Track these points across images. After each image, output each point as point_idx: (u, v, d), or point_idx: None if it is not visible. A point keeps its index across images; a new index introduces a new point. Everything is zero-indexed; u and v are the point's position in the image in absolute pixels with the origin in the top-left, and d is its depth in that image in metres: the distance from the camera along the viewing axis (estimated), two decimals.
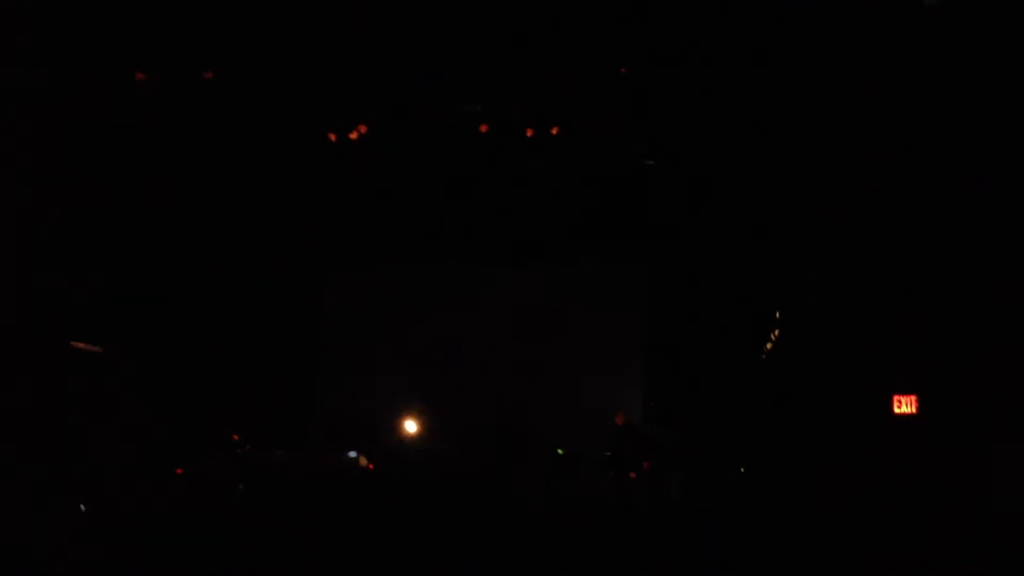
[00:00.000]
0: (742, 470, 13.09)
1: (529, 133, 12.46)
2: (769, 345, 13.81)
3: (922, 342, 11.81)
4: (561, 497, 13.13)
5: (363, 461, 12.92)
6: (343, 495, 12.23)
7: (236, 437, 12.77)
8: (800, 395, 12.79)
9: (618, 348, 14.98)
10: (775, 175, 12.83)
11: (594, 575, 9.36)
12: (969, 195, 11.42)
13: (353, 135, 12.18)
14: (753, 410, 13.45)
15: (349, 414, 14.12)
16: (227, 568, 9.42)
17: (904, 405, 12.11)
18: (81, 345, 12.37)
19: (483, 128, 12.29)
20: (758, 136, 12.53)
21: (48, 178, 11.85)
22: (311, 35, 11.15)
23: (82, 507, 10.86)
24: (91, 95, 11.45)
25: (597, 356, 14.87)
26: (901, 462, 11.53)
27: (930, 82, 11.35)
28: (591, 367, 14.77)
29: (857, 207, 12.31)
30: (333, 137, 12.23)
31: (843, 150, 12.18)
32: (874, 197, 12.16)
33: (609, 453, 13.38)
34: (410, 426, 13.91)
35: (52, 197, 12.00)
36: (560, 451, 13.79)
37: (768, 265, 13.59)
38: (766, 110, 12.18)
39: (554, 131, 12.44)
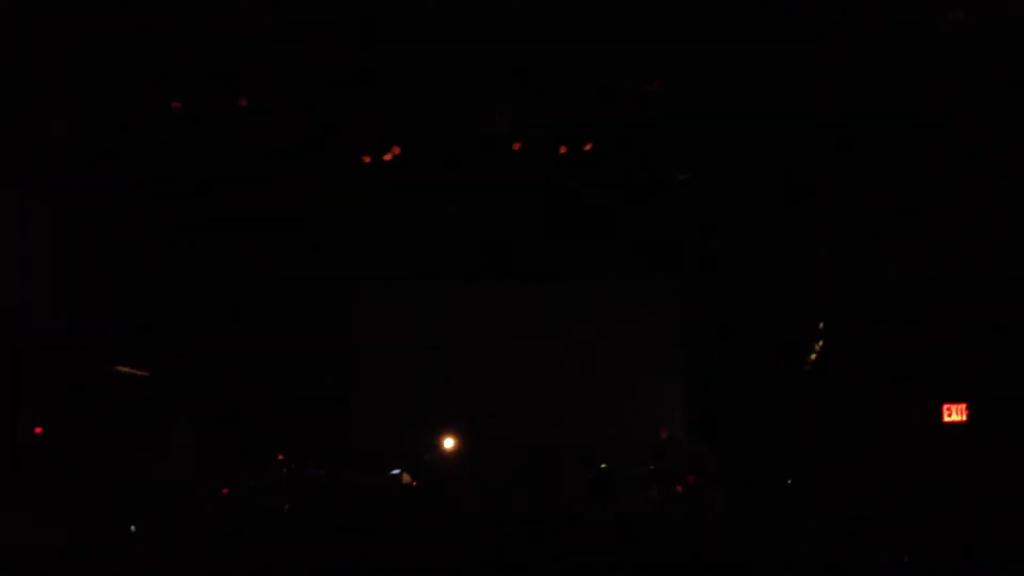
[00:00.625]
0: (788, 483, 12.94)
1: (563, 150, 12.49)
2: (814, 356, 13.65)
3: (972, 349, 11.63)
4: (604, 512, 13.09)
5: (406, 479, 12.97)
6: (387, 513, 12.30)
7: (280, 457, 12.91)
8: (847, 406, 12.64)
9: (659, 362, 14.88)
10: (814, 184, 12.72)
11: None
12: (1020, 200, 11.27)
13: (387, 156, 12.29)
14: (799, 422, 13.30)
15: (387, 432, 14.18)
16: None
17: (954, 413, 11.92)
18: (125, 369, 12.61)
19: (516, 146, 12.33)
20: (796, 143, 12.43)
21: (86, 201, 12.15)
22: (343, 59, 11.29)
23: (132, 528, 11.05)
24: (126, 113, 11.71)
25: (638, 371, 14.77)
26: (951, 471, 11.35)
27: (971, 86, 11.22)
28: (631, 382, 14.68)
29: (904, 213, 12.18)
30: (368, 159, 12.36)
31: (884, 153, 12.07)
32: (921, 201, 12.04)
33: (652, 467, 13.31)
34: (448, 443, 13.93)
35: (89, 220, 12.29)
36: (604, 466, 13.73)
37: (812, 275, 13.46)
38: (804, 118, 12.09)
39: (587, 147, 12.45)
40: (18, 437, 11.18)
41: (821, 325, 13.56)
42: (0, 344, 11.26)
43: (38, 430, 11.38)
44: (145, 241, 12.99)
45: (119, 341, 12.60)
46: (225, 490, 12.32)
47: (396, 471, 12.96)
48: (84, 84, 11.16)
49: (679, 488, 13.09)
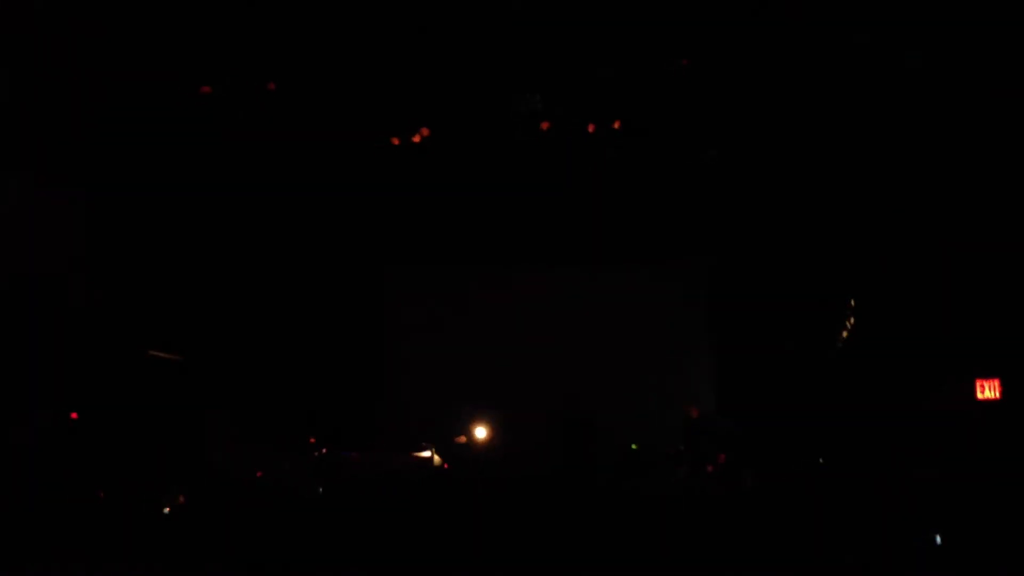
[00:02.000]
0: (820, 461, 12.90)
1: (591, 129, 12.44)
2: (845, 333, 13.58)
3: (1005, 324, 11.56)
4: (634, 492, 13.10)
5: (437, 460, 13.03)
6: (419, 493, 12.37)
7: (312, 440, 13.00)
8: (878, 383, 12.59)
9: (689, 341, 14.86)
10: (841, 161, 12.63)
11: (672, 569, 9.33)
12: None
13: (416, 138, 12.30)
14: (830, 400, 13.25)
15: (419, 414, 14.24)
16: (308, 566, 9.63)
17: (988, 390, 11.87)
18: (159, 354, 12.73)
19: (544, 125, 12.30)
20: (827, 122, 12.34)
21: (121, 186, 12.25)
22: (370, 41, 11.29)
23: (165, 510, 11.17)
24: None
25: (667, 350, 14.76)
26: (985, 448, 11.30)
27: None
28: (661, 361, 14.68)
29: (933, 188, 12.09)
30: (396, 141, 12.37)
31: (918, 126, 11.97)
32: (948, 177, 11.94)
33: (682, 447, 13.30)
34: (478, 425, 13.98)
35: (124, 204, 12.39)
36: (634, 446, 13.75)
37: (841, 251, 13.38)
38: (836, 98, 12.00)
39: (616, 125, 12.40)
40: (54, 424, 11.32)
41: (852, 302, 13.50)
42: (37, 329, 11.39)
43: (74, 415, 11.52)
44: (179, 225, 13.09)
45: (153, 326, 12.73)
46: (259, 473, 12.43)
47: (427, 453, 13.02)
48: (115, 69, 11.23)
49: (709, 467, 13.08)
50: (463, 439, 13.51)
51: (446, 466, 13.02)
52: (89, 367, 11.82)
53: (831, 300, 13.63)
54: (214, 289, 13.56)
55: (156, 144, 12.34)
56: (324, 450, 12.98)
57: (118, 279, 12.54)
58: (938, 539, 10.00)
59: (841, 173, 12.95)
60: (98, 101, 11.59)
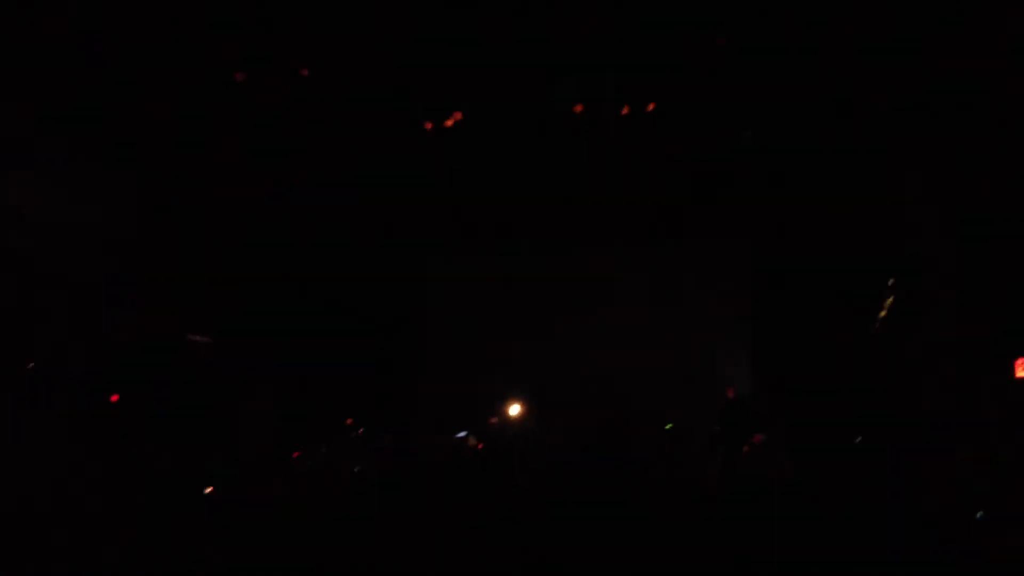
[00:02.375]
0: (857, 440, 12.83)
1: (625, 111, 12.35)
2: (883, 313, 13.45)
3: None
4: (670, 473, 13.12)
5: (472, 441, 13.10)
6: (455, 474, 12.46)
7: (349, 422, 13.11)
8: (917, 363, 12.47)
9: (725, 322, 14.81)
10: (880, 139, 12.47)
11: (707, 550, 9.34)
12: None
13: (449, 123, 12.27)
14: (868, 381, 13.15)
15: (455, 395, 14.32)
16: (346, 546, 9.73)
17: None
18: (195, 336, 12.85)
19: (578, 108, 12.23)
20: (868, 100, 12.18)
21: (157, 169, 12.35)
22: (404, 23, 11.25)
23: (206, 491, 11.32)
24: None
25: (704, 331, 14.72)
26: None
27: None
28: (698, 342, 14.64)
29: (972, 164, 11.91)
30: (429, 126, 12.35)
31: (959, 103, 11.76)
32: (994, 154, 11.75)
33: (719, 427, 13.28)
34: (514, 409, 14.03)
35: (160, 188, 12.49)
36: (669, 426, 13.75)
37: (879, 229, 13.23)
38: (877, 76, 11.82)
39: (651, 107, 12.30)
40: (93, 405, 11.47)
41: (891, 281, 13.36)
42: (77, 314, 11.53)
43: (114, 398, 11.66)
44: (216, 209, 13.19)
45: (191, 309, 12.86)
46: (296, 454, 12.56)
47: (463, 434, 13.10)
48: (156, 56, 11.30)
49: (746, 448, 13.05)
50: (480, 445, 13.49)
51: (480, 446, 13.10)
52: (130, 350, 11.96)
53: (870, 280, 13.50)
54: (253, 271, 13.67)
55: (193, 129, 12.42)
56: (361, 431, 13.10)
57: (158, 261, 12.66)
58: (981, 516, 9.96)
59: (882, 150, 12.79)
60: (135, 85, 11.66)
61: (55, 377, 11.14)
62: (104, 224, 12.09)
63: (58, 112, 11.40)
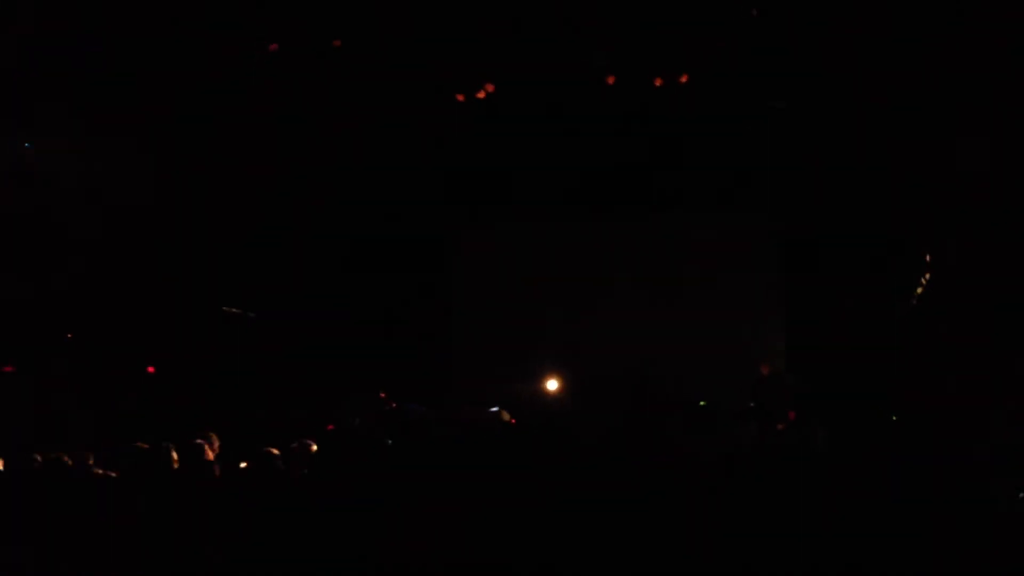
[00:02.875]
0: (893, 419, 12.70)
1: (658, 82, 12.25)
2: (919, 290, 13.30)
3: None
4: (702, 449, 13.03)
5: (504, 416, 13.07)
6: (486, 449, 12.45)
7: (383, 395, 13.14)
8: (953, 342, 12.33)
9: (760, 297, 14.68)
10: (917, 115, 12.29)
11: (741, 528, 9.23)
12: None
13: (480, 94, 12.25)
14: (903, 359, 13.02)
15: (488, 370, 14.31)
16: (378, 515, 9.74)
17: None
18: (232, 309, 12.96)
19: (610, 80, 12.15)
20: (902, 75, 12.00)
21: (193, 143, 12.44)
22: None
23: (242, 464, 11.38)
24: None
25: (739, 306, 14.60)
26: None
27: None
28: (732, 317, 14.52)
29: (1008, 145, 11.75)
30: (461, 97, 12.33)
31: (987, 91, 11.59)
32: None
33: (753, 404, 13.20)
34: (548, 382, 14.02)
35: (196, 163, 12.59)
36: (702, 403, 13.65)
37: (915, 206, 13.07)
38: (913, 51, 11.65)
39: (683, 79, 12.20)
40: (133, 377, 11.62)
41: (928, 257, 13.20)
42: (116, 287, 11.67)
43: (151, 369, 11.81)
44: (250, 183, 13.27)
45: (226, 282, 12.96)
46: (330, 427, 12.62)
47: (495, 408, 13.08)
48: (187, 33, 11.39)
49: (780, 425, 12.96)
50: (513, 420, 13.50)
51: (513, 421, 13.07)
52: (167, 323, 12.08)
53: (906, 255, 13.34)
54: (288, 245, 13.74)
55: (227, 103, 12.49)
56: (394, 404, 13.14)
57: (193, 236, 12.78)
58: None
59: (918, 125, 12.61)
60: (168, 59, 11.76)
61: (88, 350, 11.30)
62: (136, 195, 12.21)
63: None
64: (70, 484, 7.58)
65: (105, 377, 11.82)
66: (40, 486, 7.77)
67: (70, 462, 8.19)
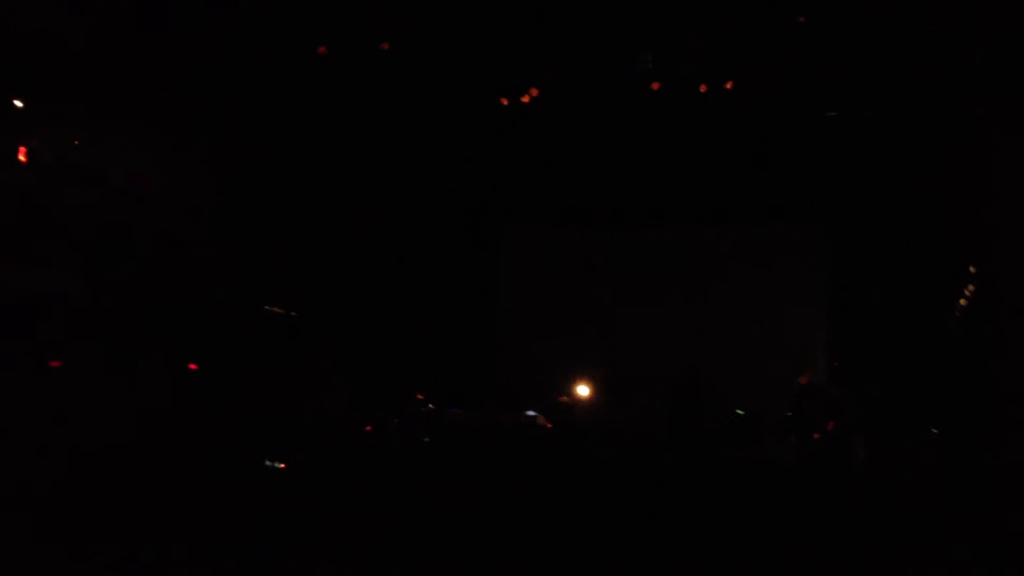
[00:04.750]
0: (934, 431, 12.58)
1: (703, 89, 12.20)
2: (963, 301, 13.15)
3: None
4: (741, 458, 13.00)
5: (541, 420, 13.12)
6: (523, 452, 12.50)
7: (421, 397, 13.23)
8: (996, 353, 12.17)
9: (801, 306, 14.57)
10: (963, 123, 12.14)
11: (775, 538, 9.23)
12: None
13: (525, 99, 12.25)
14: (946, 370, 12.88)
15: (528, 374, 14.33)
16: (414, 514, 9.84)
17: None
18: (275, 309, 13.08)
19: (655, 86, 12.11)
20: (947, 84, 11.86)
21: (242, 145, 12.57)
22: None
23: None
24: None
25: (779, 315, 14.51)
26: None
27: None
28: (772, 327, 14.43)
29: None
30: (505, 101, 12.35)
31: None
32: None
33: (791, 414, 13.12)
34: (585, 387, 14.02)
35: (243, 164, 12.71)
36: (740, 412, 13.61)
37: (960, 215, 12.92)
38: (957, 57, 11.51)
39: (728, 85, 12.13)
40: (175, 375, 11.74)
41: (972, 268, 13.05)
42: (161, 288, 11.80)
43: (193, 367, 11.93)
44: (295, 186, 13.38)
45: (270, 282, 13.08)
46: (368, 428, 12.73)
47: (533, 413, 13.13)
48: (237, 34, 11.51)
49: (816, 435, 12.89)
50: (566, 399, 13.60)
51: (549, 426, 13.12)
52: (209, 323, 12.20)
53: (950, 266, 13.20)
54: (330, 247, 13.83)
55: (274, 101, 12.60)
56: (432, 407, 13.23)
57: (237, 235, 12.89)
58: None
59: (967, 133, 12.46)
60: (218, 58, 11.88)
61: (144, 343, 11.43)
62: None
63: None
64: None
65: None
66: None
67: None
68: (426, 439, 12.70)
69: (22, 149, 10.95)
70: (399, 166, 13.96)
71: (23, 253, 10.91)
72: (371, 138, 13.36)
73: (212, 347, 12.05)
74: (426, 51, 11.94)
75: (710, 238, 14.99)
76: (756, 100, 12.40)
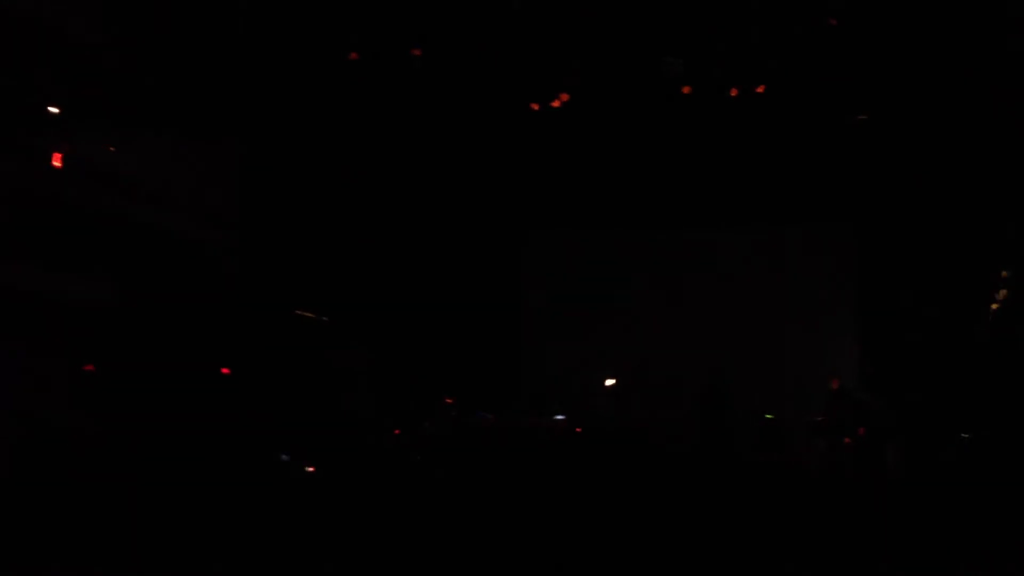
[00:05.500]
0: (964, 436, 12.50)
1: (733, 93, 12.18)
2: (995, 306, 13.07)
3: None
4: (769, 463, 12.97)
5: (567, 424, 13.13)
6: (548, 456, 12.51)
7: (449, 401, 13.25)
8: None
9: (832, 311, 14.48)
10: (994, 125, 12.06)
11: (803, 543, 9.21)
12: None
13: (555, 103, 12.27)
14: (977, 374, 12.80)
15: (553, 379, 14.31)
16: (440, 512, 9.88)
17: None
18: (305, 314, 13.13)
19: (686, 90, 12.10)
20: (976, 84, 11.79)
21: (270, 151, 12.65)
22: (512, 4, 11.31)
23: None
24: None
25: (809, 320, 14.43)
26: None
27: None
28: (803, 331, 14.36)
29: None
30: (536, 106, 12.37)
31: None
32: None
33: (821, 419, 13.07)
34: (613, 391, 14.00)
35: (272, 170, 12.78)
36: (769, 416, 13.57)
37: (992, 219, 12.84)
38: (986, 59, 11.45)
39: (760, 89, 12.11)
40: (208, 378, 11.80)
41: (1004, 273, 12.97)
42: (192, 291, 11.87)
43: (225, 371, 11.98)
44: (322, 192, 13.44)
45: (300, 288, 13.14)
46: (397, 431, 12.76)
47: (561, 416, 13.13)
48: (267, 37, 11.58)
49: (847, 440, 12.84)
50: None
51: (578, 430, 13.11)
52: (240, 327, 12.27)
53: (982, 271, 13.12)
54: (358, 252, 13.89)
55: (303, 107, 12.66)
56: (461, 410, 13.24)
57: (268, 242, 12.97)
58: None
59: (996, 136, 12.38)
60: (249, 63, 11.95)
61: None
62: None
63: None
64: None
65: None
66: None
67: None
68: (454, 445, 12.73)
69: (56, 155, 11.05)
70: (424, 172, 14.02)
71: (56, 258, 11.00)
72: (397, 145, 13.44)
73: (241, 351, 12.12)
74: (451, 57, 11.99)
75: (737, 240, 14.93)
76: (784, 103, 12.39)
